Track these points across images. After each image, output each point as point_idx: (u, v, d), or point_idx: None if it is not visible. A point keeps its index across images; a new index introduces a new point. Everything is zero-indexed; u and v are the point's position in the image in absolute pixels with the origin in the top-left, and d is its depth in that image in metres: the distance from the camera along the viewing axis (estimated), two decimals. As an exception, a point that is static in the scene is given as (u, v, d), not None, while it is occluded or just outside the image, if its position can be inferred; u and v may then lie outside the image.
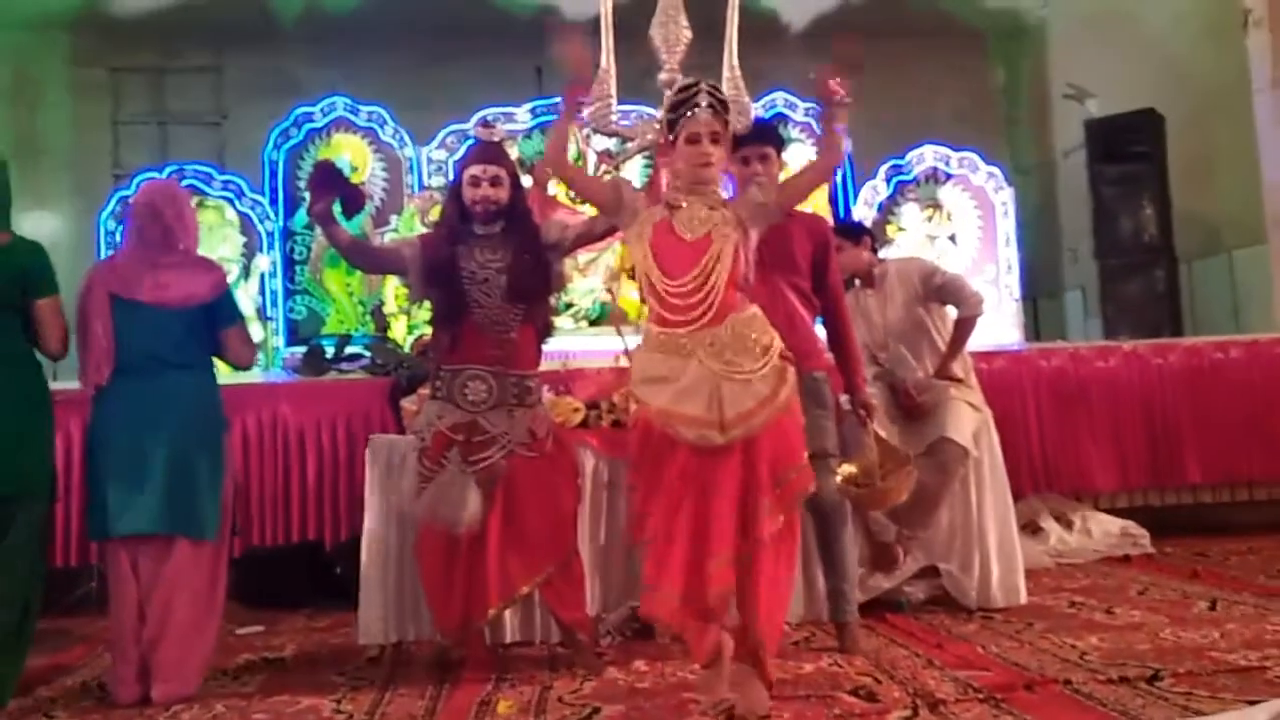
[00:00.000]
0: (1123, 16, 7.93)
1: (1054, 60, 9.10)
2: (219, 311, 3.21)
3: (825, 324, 3.62)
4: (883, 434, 3.76)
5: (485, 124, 4.34)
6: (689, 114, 2.77)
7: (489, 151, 3.46)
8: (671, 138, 2.84)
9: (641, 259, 2.78)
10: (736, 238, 2.77)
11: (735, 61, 3.63)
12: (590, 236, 3.46)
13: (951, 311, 4.13)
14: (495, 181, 3.33)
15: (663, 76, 3.66)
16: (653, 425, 2.70)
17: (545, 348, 3.49)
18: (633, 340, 3.00)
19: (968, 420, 3.96)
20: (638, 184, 5.71)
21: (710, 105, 2.76)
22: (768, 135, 3.62)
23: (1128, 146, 7.35)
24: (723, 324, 2.70)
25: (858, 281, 4.26)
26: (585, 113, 3.62)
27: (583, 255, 7.22)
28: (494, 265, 3.28)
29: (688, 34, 3.62)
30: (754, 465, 2.66)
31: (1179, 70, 7.41)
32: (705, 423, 2.61)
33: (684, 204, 2.80)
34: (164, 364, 3.11)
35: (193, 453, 3.09)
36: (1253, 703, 2.49)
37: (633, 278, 6.20)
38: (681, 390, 2.65)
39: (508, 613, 3.48)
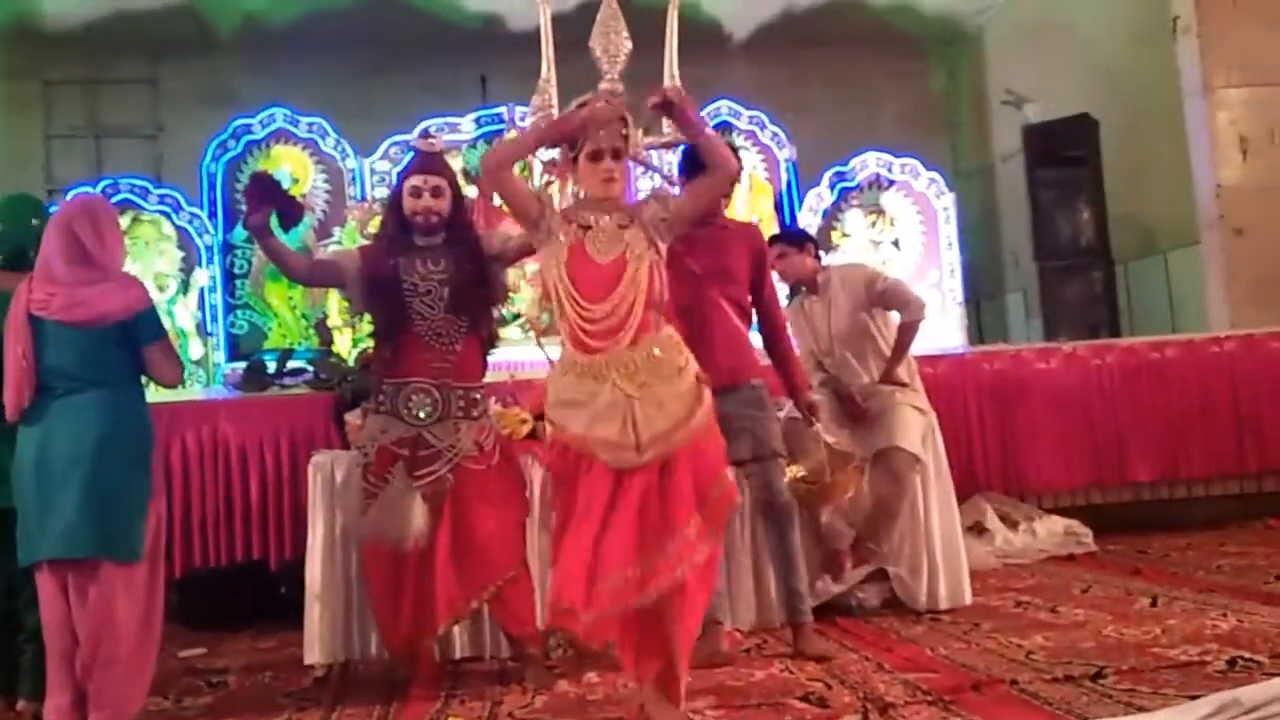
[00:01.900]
0: (1058, 24, 8.08)
1: (992, 67, 9.25)
2: (139, 329, 3.11)
3: (762, 332, 3.66)
4: (830, 439, 3.79)
5: (426, 135, 4.31)
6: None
7: (430, 162, 3.43)
8: (573, 154, 2.80)
9: (557, 282, 2.72)
10: (651, 257, 2.74)
11: (676, 71, 3.63)
12: (534, 247, 3.44)
13: (895, 316, 4.17)
14: (436, 192, 3.30)
15: (603, 86, 3.65)
16: (569, 448, 2.67)
17: (491, 359, 3.47)
18: (555, 352, 2.95)
19: (914, 426, 4.00)
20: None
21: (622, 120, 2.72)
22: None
23: (1064, 151, 7.48)
24: (638, 346, 2.67)
25: (803, 289, 4.30)
26: (527, 122, 3.61)
27: (530, 265, 7.18)
28: (436, 277, 3.25)
29: (628, 44, 3.61)
30: (676, 486, 2.62)
31: (1112, 76, 7.57)
32: (621, 445, 2.59)
33: (594, 223, 2.75)
34: (83, 383, 3.03)
35: (113, 472, 2.99)
36: (1194, 697, 2.53)
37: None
38: (596, 414, 2.62)
39: (456, 628, 3.44)
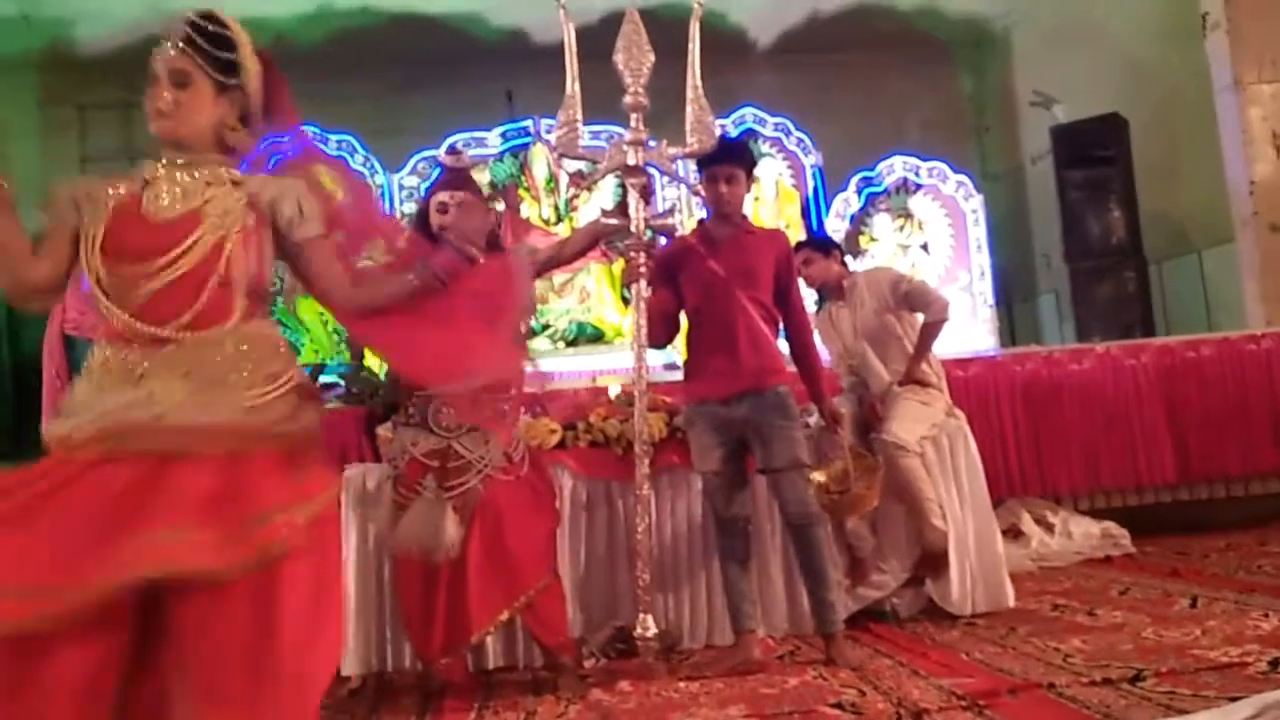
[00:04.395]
0: (1085, 23, 8.02)
1: (1019, 68, 9.19)
2: None
3: (788, 337, 3.63)
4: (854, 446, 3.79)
5: (452, 150, 4.36)
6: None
7: (456, 177, 3.47)
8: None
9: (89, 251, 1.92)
10: (246, 223, 2.03)
11: (698, 81, 3.65)
12: (560, 259, 3.46)
13: (920, 318, 4.16)
14: (462, 207, 3.33)
15: (627, 100, 3.67)
16: None
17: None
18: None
19: (907, 416, 3.96)
20: (609, 204, 5.74)
21: (187, 40, 1.97)
22: (735, 154, 3.61)
23: (1094, 151, 7.41)
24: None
25: (829, 296, 4.30)
26: (553, 137, 3.64)
27: (558, 276, 7.24)
28: (464, 291, 3.27)
29: (651, 57, 3.62)
30: None
31: (1141, 74, 7.51)
32: None
33: (159, 173, 2.01)
34: None
35: None
36: (1235, 699, 2.49)
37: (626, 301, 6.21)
38: None
39: (490, 638, 3.46)
